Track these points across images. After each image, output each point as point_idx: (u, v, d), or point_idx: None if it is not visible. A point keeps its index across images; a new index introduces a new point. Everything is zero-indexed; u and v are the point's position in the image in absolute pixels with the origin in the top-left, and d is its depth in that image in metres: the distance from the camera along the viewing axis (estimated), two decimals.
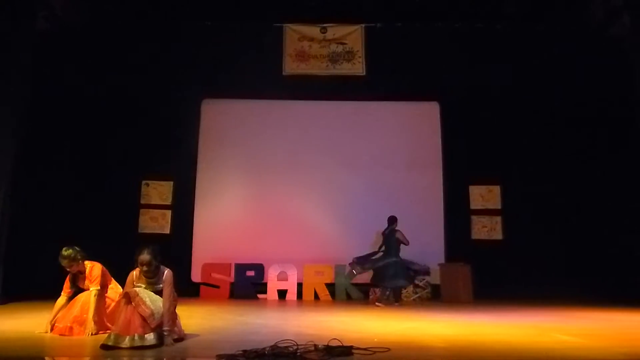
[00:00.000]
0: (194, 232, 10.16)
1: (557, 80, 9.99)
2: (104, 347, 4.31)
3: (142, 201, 10.19)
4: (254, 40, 10.19)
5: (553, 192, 9.86)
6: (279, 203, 10.24)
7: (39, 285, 7.62)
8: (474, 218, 10.27)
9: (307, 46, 10.47)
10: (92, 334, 4.92)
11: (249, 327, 5.88)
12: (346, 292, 9.65)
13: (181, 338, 4.80)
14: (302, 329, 5.52)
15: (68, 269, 5.19)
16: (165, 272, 4.76)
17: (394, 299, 8.63)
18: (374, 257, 8.93)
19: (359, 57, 10.42)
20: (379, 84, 10.36)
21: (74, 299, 5.17)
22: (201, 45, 10.17)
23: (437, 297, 9.18)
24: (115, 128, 9.99)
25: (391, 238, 8.78)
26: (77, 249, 5.18)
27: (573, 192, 9.78)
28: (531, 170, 10.01)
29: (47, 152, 9.37)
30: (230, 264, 9.73)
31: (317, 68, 10.44)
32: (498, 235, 10.16)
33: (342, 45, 10.47)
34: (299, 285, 9.65)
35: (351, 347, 4.19)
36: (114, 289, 5.37)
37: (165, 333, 4.53)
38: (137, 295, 4.53)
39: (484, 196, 10.32)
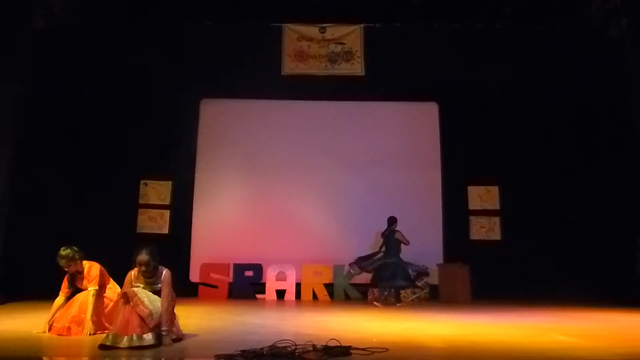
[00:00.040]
0: (193, 232, 10.15)
1: (557, 81, 9.99)
2: (102, 347, 4.31)
3: (141, 201, 10.18)
4: (252, 40, 10.18)
5: (551, 192, 9.88)
6: (277, 203, 10.24)
7: (37, 285, 7.61)
8: (473, 218, 10.28)
9: (306, 46, 10.46)
10: (90, 334, 4.92)
11: (248, 327, 5.87)
12: (345, 293, 9.64)
13: (179, 338, 4.80)
14: (301, 329, 5.52)
15: (66, 269, 5.19)
16: (164, 272, 4.76)
17: (394, 300, 8.64)
18: (373, 258, 8.93)
19: (358, 57, 10.41)
20: (378, 84, 10.35)
21: (72, 299, 5.16)
22: (200, 45, 10.15)
23: (436, 298, 9.17)
24: (113, 128, 9.96)
25: (391, 239, 8.79)
26: (75, 248, 5.18)
27: (572, 193, 9.80)
28: (529, 171, 10.01)
29: (45, 151, 9.36)
30: (229, 264, 9.73)
31: (316, 68, 10.43)
32: (496, 235, 10.17)
33: (341, 45, 10.46)
34: (298, 285, 9.65)
35: (349, 347, 4.20)
36: (112, 289, 5.37)
37: (163, 333, 4.52)
38: (136, 295, 4.53)
39: (482, 197, 10.32)
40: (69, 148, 9.72)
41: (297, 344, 4.21)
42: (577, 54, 9.83)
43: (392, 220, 8.89)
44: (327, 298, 9.56)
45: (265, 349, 4.09)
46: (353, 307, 8.40)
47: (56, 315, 5.09)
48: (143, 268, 4.64)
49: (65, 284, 5.27)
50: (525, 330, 5.66)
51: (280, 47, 10.37)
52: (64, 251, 5.10)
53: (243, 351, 4.00)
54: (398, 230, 8.79)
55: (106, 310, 5.19)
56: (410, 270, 8.81)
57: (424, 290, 9.32)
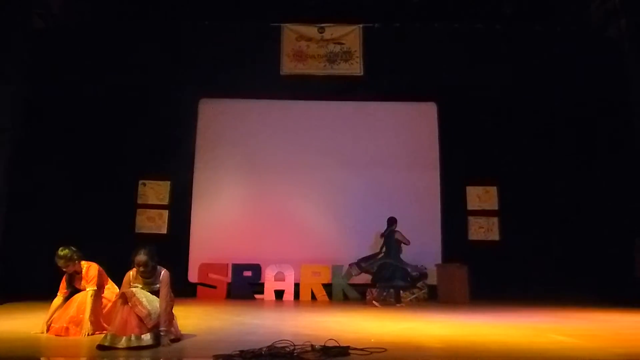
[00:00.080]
0: (191, 232, 10.14)
1: (556, 81, 10.01)
2: (100, 347, 4.30)
3: (139, 201, 10.17)
4: (251, 40, 10.18)
5: (550, 192, 9.89)
6: (276, 203, 10.23)
7: (35, 285, 7.59)
8: (471, 219, 10.28)
9: (304, 46, 10.46)
10: (88, 335, 4.91)
11: (246, 328, 5.87)
12: (343, 293, 9.65)
13: (178, 338, 4.80)
14: (299, 329, 5.52)
15: (64, 269, 5.18)
16: (162, 272, 4.75)
17: (393, 300, 8.64)
18: (374, 259, 8.94)
19: (357, 57, 10.41)
20: (377, 84, 10.35)
21: (70, 300, 5.15)
22: (199, 44, 10.15)
23: (434, 298, 9.17)
24: (112, 127, 9.95)
25: (391, 239, 8.79)
26: (74, 249, 5.17)
27: (570, 193, 9.80)
28: (528, 171, 10.02)
29: (43, 151, 9.35)
30: (228, 264, 9.73)
31: (315, 68, 10.44)
32: (495, 236, 10.18)
33: (340, 45, 10.46)
34: (296, 285, 9.65)
35: (348, 348, 4.20)
36: (111, 289, 5.36)
37: (162, 333, 4.52)
38: (134, 295, 4.52)
39: (480, 197, 10.33)
40: (67, 148, 9.71)
41: (295, 344, 4.21)
42: (577, 54, 9.85)
43: (391, 221, 8.89)
44: (326, 298, 9.56)
45: (264, 349, 4.09)
46: (352, 307, 8.40)
47: (54, 315, 5.08)
48: (141, 268, 4.64)
49: (63, 285, 5.26)
50: (524, 331, 5.66)
51: (279, 47, 10.38)
52: (62, 251, 5.09)
53: (241, 351, 3.99)
54: (398, 231, 8.79)
55: (104, 311, 5.18)
56: (409, 270, 8.81)
57: (423, 291, 9.33)
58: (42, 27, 9.15)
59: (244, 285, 9.65)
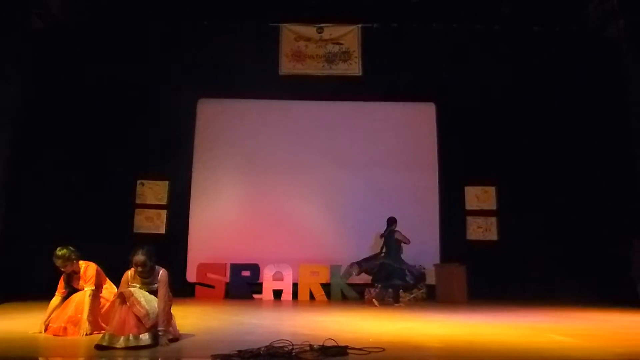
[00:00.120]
0: (190, 232, 10.13)
1: (554, 81, 10.01)
2: (99, 347, 4.30)
3: (138, 201, 10.15)
4: (250, 39, 10.17)
5: (548, 192, 9.89)
6: (274, 203, 10.23)
7: (33, 285, 7.58)
8: (469, 219, 10.29)
9: (303, 46, 10.45)
10: (86, 334, 4.90)
11: (244, 327, 5.87)
12: (341, 292, 9.65)
13: (176, 338, 4.80)
14: (298, 329, 5.52)
15: (62, 269, 5.17)
16: (161, 272, 4.75)
17: (392, 300, 8.64)
18: (375, 259, 8.94)
19: (355, 57, 10.40)
20: (375, 84, 10.34)
21: (68, 299, 5.15)
22: (197, 44, 10.13)
23: (432, 298, 9.18)
24: (110, 127, 9.93)
25: (390, 239, 8.80)
26: (72, 248, 5.17)
27: (568, 193, 9.81)
28: (526, 171, 10.02)
29: (42, 151, 9.34)
30: (226, 264, 9.72)
31: (314, 68, 10.42)
32: (493, 236, 10.18)
33: (339, 45, 10.46)
34: (295, 285, 9.64)
35: (346, 347, 4.20)
36: (109, 289, 5.35)
37: (160, 333, 4.52)
38: (132, 295, 4.52)
39: (479, 197, 10.34)
40: (65, 147, 9.68)
41: (294, 343, 4.21)
42: (575, 54, 9.85)
43: (391, 221, 8.90)
44: (324, 298, 9.55)
45: (262, 348, 4.09)
46: (350, 307, 8.40)
47: (52, 315, 5.08)
48: (139, 268, 4.64)
49: (61, 284, 5.25)
50: (522, 330, 5.67)
51: (278, 47, 10.36)
52: (60, 251, 5.09)
53: (240, 351, 3.99)
54: (397, 231, 8.80)
55: (102, 311, 5.17)
56: (407, 271, 8.81)
57: (421, 290, 9.32)
58: (41, 27, 9.13)
59: (243, 285, 9.64)
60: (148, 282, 4.70)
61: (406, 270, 8.77)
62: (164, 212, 10.17)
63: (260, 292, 9.59)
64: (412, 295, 9.19)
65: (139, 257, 4.61)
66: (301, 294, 9.61)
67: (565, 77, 9.93)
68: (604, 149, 9.70)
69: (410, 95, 10.57)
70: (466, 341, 5.00)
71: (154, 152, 10.01)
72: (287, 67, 10.38)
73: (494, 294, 8.93)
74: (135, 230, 9.98)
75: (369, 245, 9.55)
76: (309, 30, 10.46)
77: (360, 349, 4.19)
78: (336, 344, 4.24)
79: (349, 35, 10.43)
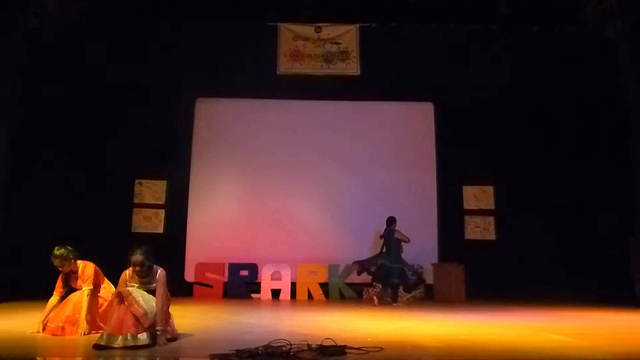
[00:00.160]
0: (188, 231, 10.13)
1: (552, 81, 10.02)
2: (97, 347, 4.29)
3: (136, 200, 10.15)
4: (248, 39, 10.15)
5: (546, 192, 9.91)
6: (272, 202, 10.23)
7: (31, 285, 7.56)
8: (468, 218, 10.31)
9: (301, 46, 10.44)
10: (84, 334, 4.89)
11: (243, 327, 5.87)
12: (340, 292, 9.66)
13: (174, 338, 4.79)
14: (296, 329, 5.52)
15: (60, 269, 5.16)
16: (159, 271, 4.75)
17: (390, 299, 8.65)
18: (374, 258, 8.95)
19: (354, 57, 10.40)
20: (374, 84, 10.35)
21: (66, 299, 5.14)
22: (195, 44, 10.12)
23: (431, 297, 9.19)
24: (108, 127, 9.92)
25: (390, 239, 8.80)
26: (70, 248, 5.15)
27: (566, 193, 9.82)
28: (524, 171, 10.04)
29: (41, 151, 9.32)
30: (224, 264, 9.72)
31: (312, 68, 10.42)
32: (491, 235, 10.20)
33: (337, 45, 10.45)
34: (293, 284, 9.65)
35: (344, 347, 4.20)
36: (107, 289, 5.34)
37: (158, 333, 4.51)
38: (130, 294, 4.51)
39: (477, 196, 10.35)
40: (63, 147, 9.67)
41: (292, 343, 4.20)
42: (574, 54, 9.87)
43: (390, 221, 8.90)
44: (322, 297, 9.57)
45: (260, 348, 4.08)
46: (348, 306, 8.41)
47: (50, 315, 5.06)
48: (137, 268, 4.63)
49: (59, 284, 5.24)
50: (520, 330, 5.68)
51: (276, 46, 10.35)
52: (57, 250, 5.07)
53: (238, 350, 3.99)
54: (397, 230, 8.81)
55: (100, 310, 5.16)
56: (406, 270, 8.81)
57: (419, 290, 9.33)
58: (37, 26, 9.11)
59: (241, 284, 9.65)
60: (146, 281, 4.69)
61: (407, 269, 8.77)
62: (162, 212, 10.17)
63: (258, 291, 9.60)
64: (410, 295, 9.19)
65: (137, 256, 4.60)
66: (299, 294, 9.62)
67: (564, 76, 9.95)
68: (603, 149, 9.70)
69: (409, 95, 10.58)
70: (464, 340, 5.00)
71: (152, 151, 10.02)
72: (285, 66, 10.37)
73: (492, 293, 8.95)
74: (133, 230, 9.98)
75: (367, 244, 9.57)
76: (307, 30, 10.45)
77: (358, 349, 4.19)
78: (334, 344, 4.24)
79: (347, 35, 10.43)
